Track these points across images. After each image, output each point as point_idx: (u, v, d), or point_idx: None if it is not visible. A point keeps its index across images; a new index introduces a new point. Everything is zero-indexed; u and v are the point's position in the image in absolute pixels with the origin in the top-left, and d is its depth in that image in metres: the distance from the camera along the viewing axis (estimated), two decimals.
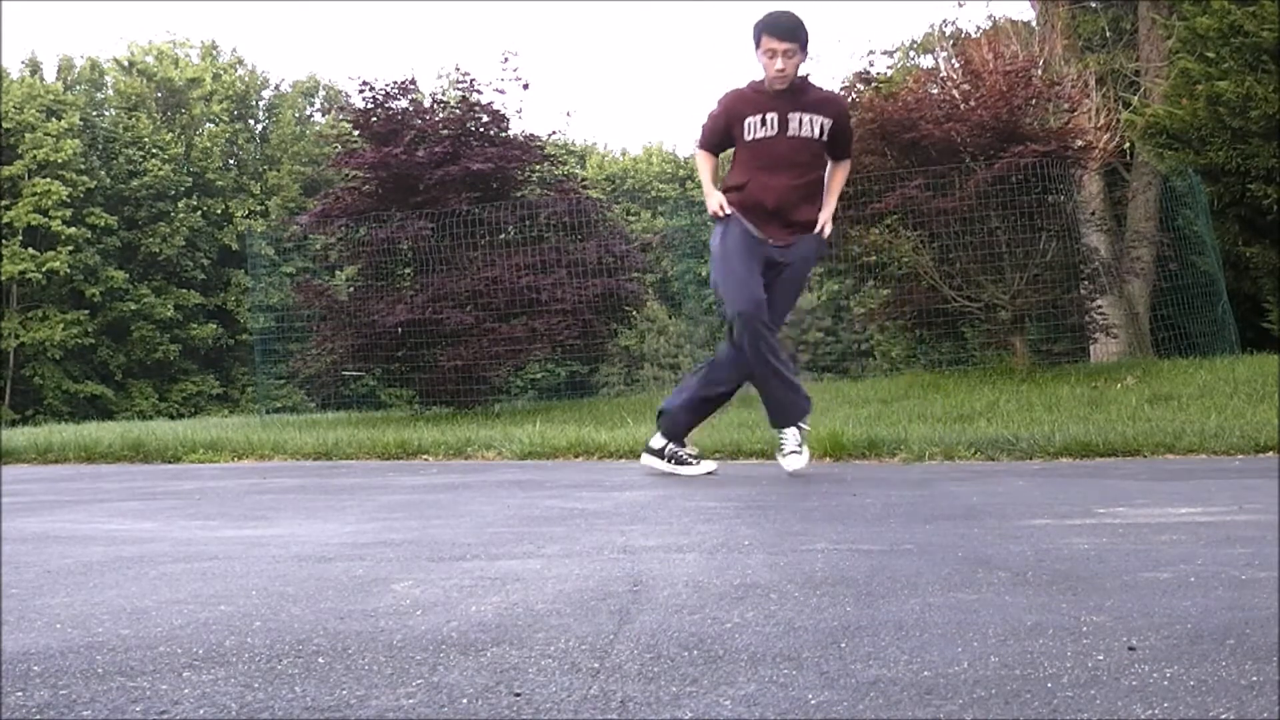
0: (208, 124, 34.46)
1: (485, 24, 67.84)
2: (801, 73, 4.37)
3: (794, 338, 28.17)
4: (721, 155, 4.61)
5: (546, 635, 1.63)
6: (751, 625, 1.66)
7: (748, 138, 4.36)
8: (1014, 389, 7.91)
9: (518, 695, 1.33)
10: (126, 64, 34.92)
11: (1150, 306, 13.14)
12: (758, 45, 4.28)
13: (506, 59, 12.57)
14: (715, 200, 4.45)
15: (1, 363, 29.77)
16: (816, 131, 4.36)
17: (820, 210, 4.45)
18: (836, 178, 4.59)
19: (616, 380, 27.87)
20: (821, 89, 4.53)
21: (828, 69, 50.03)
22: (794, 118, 4.33)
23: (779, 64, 4.24)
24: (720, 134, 4.46)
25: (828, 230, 4.48)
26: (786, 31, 4.23)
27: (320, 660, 1.50)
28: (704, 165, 4.60)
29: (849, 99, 10.44)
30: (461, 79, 11.75)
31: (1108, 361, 11.35)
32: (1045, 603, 1.78)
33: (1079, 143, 9.65)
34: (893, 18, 57.45)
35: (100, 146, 32.40)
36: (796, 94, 4.33)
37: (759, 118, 4.33)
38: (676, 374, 28.32)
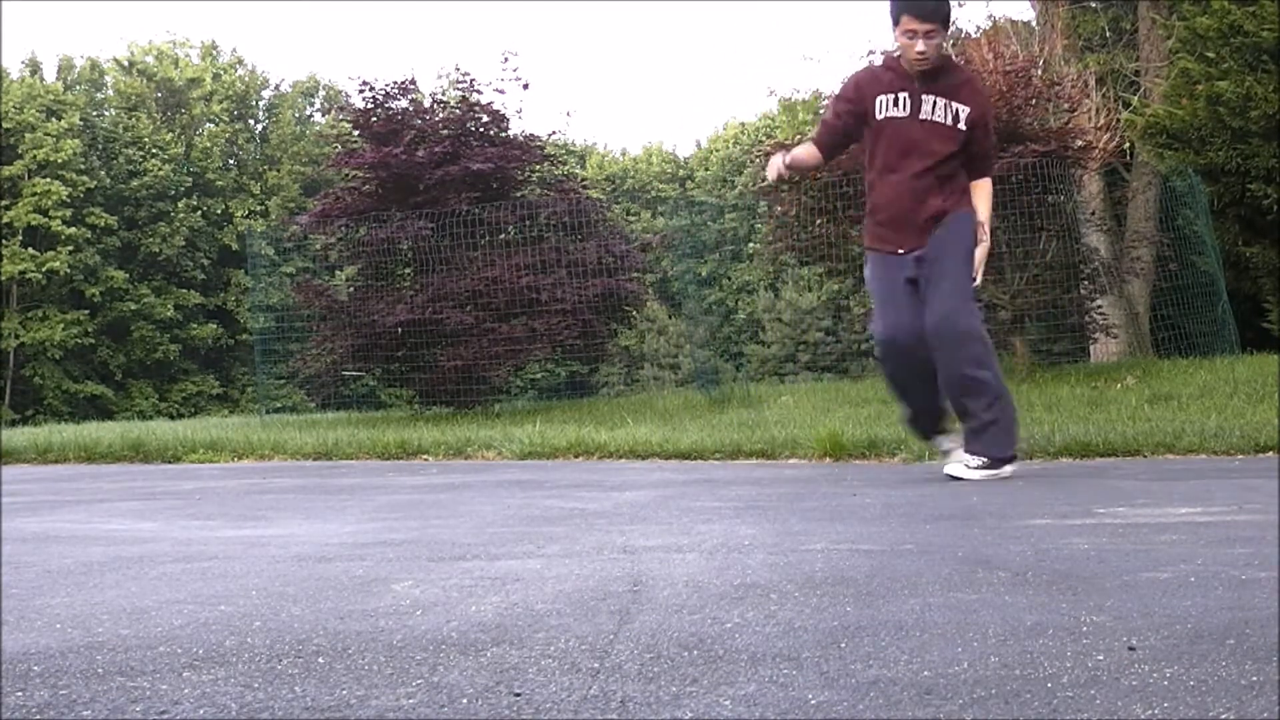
0: (208, 124, 34.46)
1: (485, 24, 67.87)
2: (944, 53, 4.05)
3: (794, 338, 28.20)
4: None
5: (546, 635, 1.62)
6: (751, 625, 1.66)
7: (879, 116, 4.07)
8: (1014, 389, 7.89)
9: (518, 695, 1.33)
10: (126, 64, 34.93)
11: (1150, 306, 13.14)
12: (896, 23, 3.98)
13: (506, 59, 12.57)
14: (775, 161, 4.25)
15: (1, 363, 29.78)
16: (950, 118, 4.03)
17: (949, 199, 4.06)
18: (983, 194, 4.17)
19: (616, 380, 27.87)
20: (965, 71, 4.17)
21: (828, 70, 50.05)
22: (928, 100, 4.02)
23: (920, 45, 3.93)
24: (845, 119, 4.14)
25: (984, 231, 4.11)
26: (929, 10, 3.94)
27: (320, 660, 1.50)
28: (805, 149, 4.32)
29: None
30: (461, 79, 11.76)
31: (1108, 361, 11.36)
32: (1045, 603, 1.78)
33: (1079, 143, 9.65)
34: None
35: (100, 146, 32.40)
36: (935, 76, 4.03)
37: (890, 96, 4.04)
38: (676, 374, 28.32)
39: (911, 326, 4.04)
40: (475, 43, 65.66)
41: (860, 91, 4.12)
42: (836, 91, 4.26)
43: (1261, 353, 9.54)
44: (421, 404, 11.67)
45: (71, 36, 60.24)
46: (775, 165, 4.29)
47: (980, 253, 4.13)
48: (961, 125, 4.04)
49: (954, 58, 4.10)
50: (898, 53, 4.09)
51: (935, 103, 4.02)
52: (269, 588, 2.05)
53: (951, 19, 4.04)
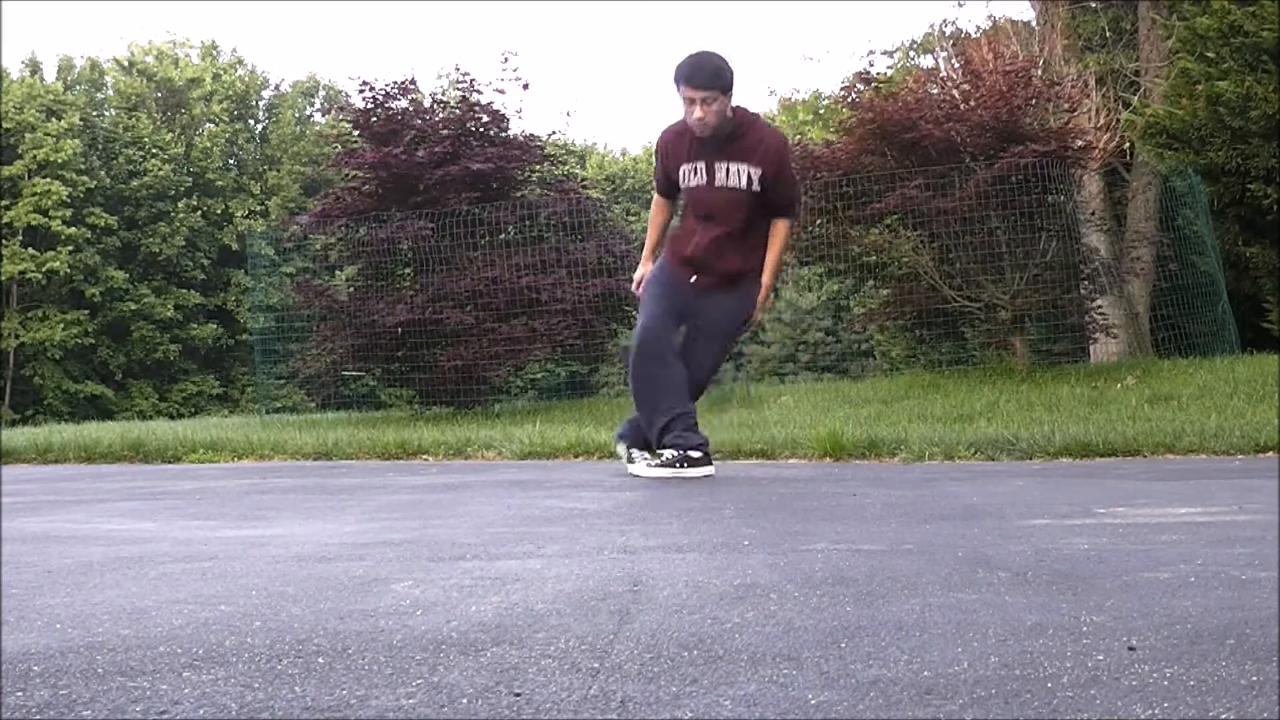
0: (208, 124, 34.44)
1: (485, 24, 67.86)
2: (737, 111, 4.19)
3: (794, 338, 28.19)
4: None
5: (546, 635, 1.62)
6: (751, 625, 1.66)
7: (682, 184, 4.26)
8: (1014, 389, 7.91)
9: (518, 695, 1.33)
10: (126, 64, 34.91)
11: (1150, 306, 13.14)
12: (679, 90, 4.10)
13: (506, 59, 12.59)
14: (640, 273, 4.48)
15: (1, 363, 29.77)
16: (744, 181, 4.15)
17: (748, 260, 4.28)
18: (774, 242, 4.32)
19: (616, 380, 27.84)
20: (759, 130, 4.23)
21: (828, 70, 50.08)
22: (720, 167, 4.15)
23: (697, 112, 4.05)
24: (667, 179, 4.36)
25: (757, 317, 4.36)
26: (704, 79, 4.03)
27: (320, 660, 1.50)
28: (654, 219, 4.53)
29: (849, 98, 10.44)
30: (461, 79, 11.77)
31: (1108, 361, 11.36)
32: (1045, 603, 1.78)
33: (1079, 143, 9.66)
34: (893, 18, 57.43)
35: (100, 146, 32.40)
36: (726, 141, 4.13)
37: (690, 166, 4.20)
38: None
39: (650, 335, 4.28)
40: (475, 43, 65.67)
41: (666, 162, 4.32)
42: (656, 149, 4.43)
43: (1261, 353, 9.54)
44: (421, 404, 11.67)
45: (71, 36, 60.25)
46: (640, 276, 4.51)
47: (760, 299, 4.36)
48: (755, 187, 4.18)
49: (745, 114, 4.21)
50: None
51: (729, 169, 4.16)
52: (269, 588, 2.05)
53: (732, 85, 4.10)
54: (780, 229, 4.36)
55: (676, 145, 4.26)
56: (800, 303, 28.28)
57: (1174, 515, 2.82)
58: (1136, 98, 13.71)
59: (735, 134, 4.16)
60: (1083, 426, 5.62)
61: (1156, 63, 14.05)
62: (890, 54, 20.27)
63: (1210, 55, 11.09)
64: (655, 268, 4.43)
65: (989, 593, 1.87)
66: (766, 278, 4.33)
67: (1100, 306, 10.70)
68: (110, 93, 34.51)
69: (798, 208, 4.55)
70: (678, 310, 4.32)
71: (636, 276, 4.54)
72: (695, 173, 4.20)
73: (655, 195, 4.52)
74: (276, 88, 37.49)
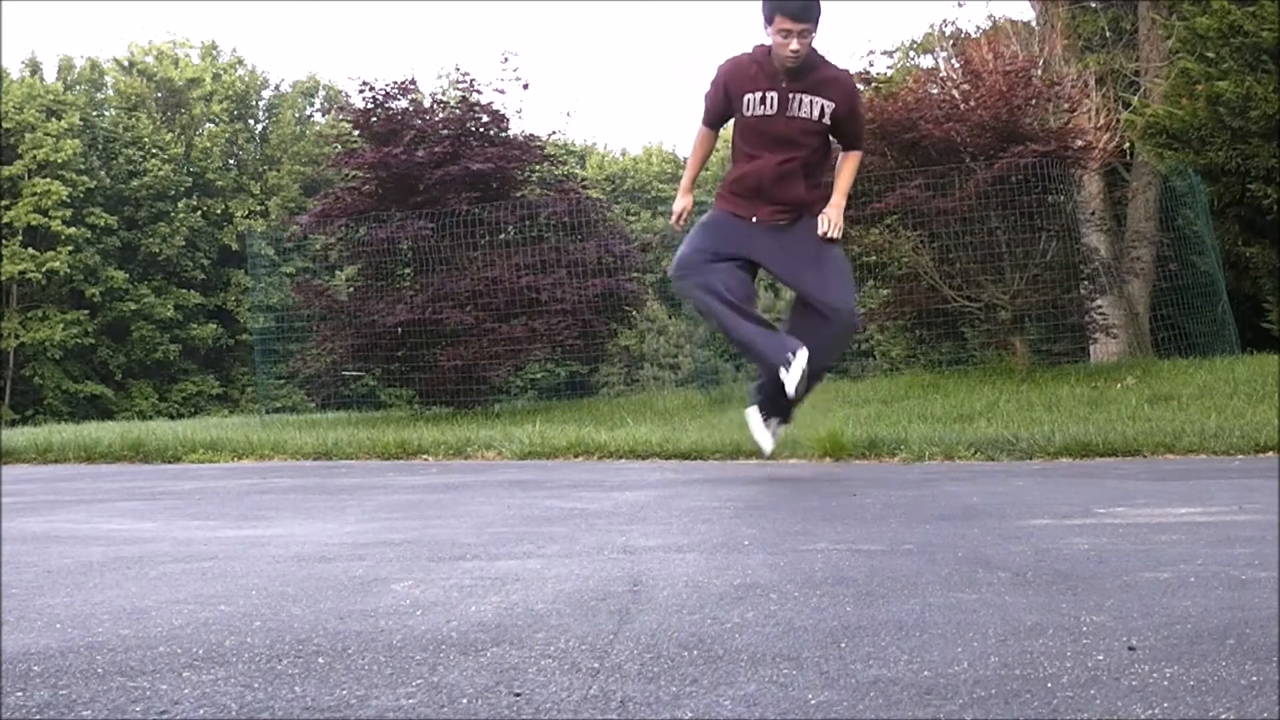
0: (208, 124, 34.44)
1: (485, 24, 67.85)
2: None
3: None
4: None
5: (546, 635, 1.62)
6: (751, 625, 1.66)
7: (746, 113, 4.23)
8: (1014, 389, 7.91)
9: (518, 695, 1.33)
10: (126, 64, 34.92)
11: (1150, 306, 13.14)
12: (769, 23, 4.09)
13: (506, 59, 12.61)
14: (680, 205, 4.46)
15: (1, 363, 29.77)
16: (816, 113, 4.19)
17: (812, 191, 4.27)
18: (845, 168, 4.41)
19: (616, 380, 27.84)
20: (831, 68, 4.31)
21: None
22: (794, 98, 4.17)
23: (793, 44, 4.05)
24: (720, 108, 4.33)
25: (835, 229, 4.25)
26: (801, 10, 4.05)
27: (320, 660, 1.50)
28: (696, 150, 4.52)
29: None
30: (461, 79, 11.76)
31: (1108, 361, 11.35)
32: (1045, 603, 1.78)
33: (1079, 143, 9.65)
34: (893, 18, 57.43)
35: (100, 146, 32.39)
36: (802, 72, 4.15)
37: (758, 95, 4.19)
38: (676, 374, 28.29)
39: (686, 265, 4.29)
40: (475, 43, 65.65)
41: (728, 87, 4.27)
42: (710, 85, 4.37)
43: (1261, 353, 9.54)
44: (421, 404, 11.67)
45: (71, 36, 60.24)
46: (680, 208, 4.51)
47: (834, 213, 4.29)
48: (826, 120, 4.22)
49: (818, 53, 4.24)
50: (767, 46, 4.20)
51: (802, 100, 4.18)
52: (269, 588, 2.05)
53: (820, 17, 4.13)
54: (853, 158, 4.45)
55: (740, 74, 4.24)
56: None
57: (1174, 515, 2.82)
58: (1136, 98, 13.71)
59: (810, 67, 4.20)
60: (1083, 426, 5.62)
61: (1156, 63, 14.05)
62: (890, 54, 20.26)
63: (1210, 55, 11.09)
64: (706, 216, 4.40)
65: (989, 593, 1.87)
66: (838, 197, 4.32)
67: (1100, 306, 10.70)
68: (110, 93, 34.50)
69: (863, 140, 4.59)
70: (728, 251, 4.28)
71: (676, 209, 4.52)
72: (764, 102, 4.19)
73: (701, 127, 4.47)
74: (276, 88, 37.49)
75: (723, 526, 2.83)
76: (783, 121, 4.20)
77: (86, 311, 30.45)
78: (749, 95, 4.21)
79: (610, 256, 10.81)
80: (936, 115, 9.30)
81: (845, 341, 4.30)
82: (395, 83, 11.41)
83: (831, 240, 4.26)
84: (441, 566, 2.26)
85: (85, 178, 30.50)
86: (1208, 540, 2.38)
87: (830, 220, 4.25)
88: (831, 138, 4.37)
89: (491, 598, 1.91)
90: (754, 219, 4.28)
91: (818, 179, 4.33)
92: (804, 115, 4.20)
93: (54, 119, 30.42)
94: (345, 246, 11.50)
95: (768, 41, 4.16)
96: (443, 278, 10.34)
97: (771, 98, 4.18)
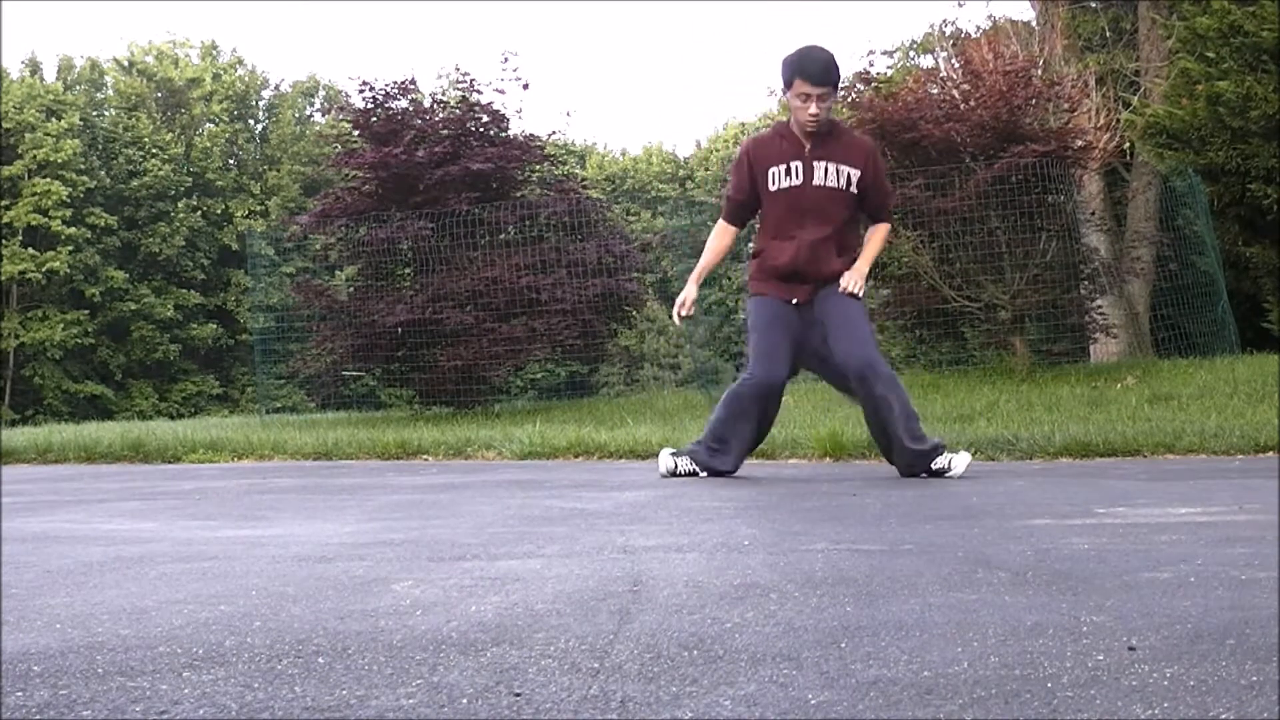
0: (208, 124, 34.45)
1: (485, 24, 67.86)
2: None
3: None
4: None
5: (546, 635, 1.62)
6: (751, 625, 1.66)
7: (773, 188, 4.20)
8: (1014, 389, 7.91)
9: (518, 695, 1.33)
10: (126, 64, 34.92)
11: (1150, 306, 13.14)
12: (788, 87, 4.10)
13: (506, 59, 12.59)
14: (688, 295, 4.39)
15: (1, 363, 29.77)
16: (843, 181, 4.17)
17: (846, 265, 4.21)
18: (873, 239, 4.35)
19: (616, 380, 27.86)
20: (852, 134, 4.34)
21: None
22: (818, 165, 4.15)
23: (812, 108, 4.06)
24: (746, 189, 4.27)
25: (857, 286, 4.19)
26: (821, 74, 4.05)
27: (320, 660, 1.50)
28: (714, 244, 4.44)
29: (849, 98, 10.44)
30: (461, 79, 11.77)
31: (1108, 361, 11.35)
32: (1045, 603, 1.78)
33: (1079, 143, 9.65)
34: (893, 18, 57.47)
35: (100, 146, 32.40)
36: (824, 140, 4.16)
37: (783, 167, 4.17)
38: (676, 374, 28.31)
39: (784, 376, 4.25)
40: (475, 43, 65.67)
41: (753, 163, 4.25)
42: (732, 165, 4.37)
43: (1261, 353, 9.54)
44: (421, 404, 11.67)
45: (71, 36, 60.28)
46: (684, 299, 4.43)
47: (855, 275, 4.25)
48: (853, 189, 4.19)
49: (839, 122, 4.33)
50: (786, 118, 4.23)
51: (826, 168, 4.16)
52: (269, 588, 2.05)
53: (839, 82, 4.17)
54: (881, 230, 4.38)
55: (764, 148, 4.24)
56: None
57: (1174, 515, 2.82)
58: (1136, 98, 13.71)
59: (830, 134, 4.20)
60: (1083, 426, 5.62)
61: (1156, 63, 14.05)
62: (890, 54, 20.25)
63: (1210, 55, 11.08)
64: (751, 305, 4.35)
65: (989, 593, 1.87)
66: (862, 264, 4.26)
67: (1100, 306, 10.70)
68: (110, 93, 34.51)
69: (890, 210, 4.51)
70: (793, 338, 4.24)
71: (681, 299, 4.43)
72: (790, 173, 4.17)
73: (721, 223, 4.43)
74: (276, 88, 37.51)
75: (722, 526, 2.83)
76: (810, 190, 4.16)
77: (86, 311, 30.46)
78: (774, 169, 4.19)
79: (610, 256, 10.81)
80: (936, 115, 9.30)
81: (894, 385, 4.19)
82: (395, 83, 11.42)
83: (853, 296, 4.20)
84: (441, 566, 2.26)
85: (85, 178, 30.51)
86: (1208, 540, 2.38)
87: (852, 279, 4.20)
88: (860, 210, 4.33)
89: (491, 598, 1.91)
90: (794, 300, 4.24)
91: (849, 253, 4.28)
92: (830, 185, 4.16)
93: (54, 119, 30.43)
94: (345, 246, 11.51)
95: (785, 117, 4.21)
96: (443, 278, 10.34)
97: (796, 167, 4.16)
